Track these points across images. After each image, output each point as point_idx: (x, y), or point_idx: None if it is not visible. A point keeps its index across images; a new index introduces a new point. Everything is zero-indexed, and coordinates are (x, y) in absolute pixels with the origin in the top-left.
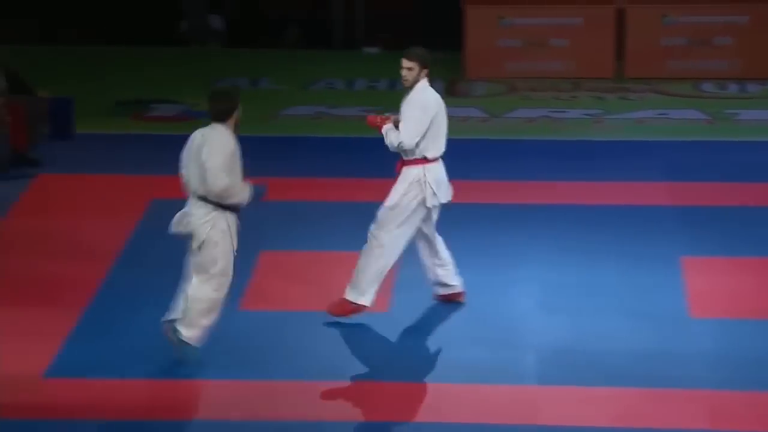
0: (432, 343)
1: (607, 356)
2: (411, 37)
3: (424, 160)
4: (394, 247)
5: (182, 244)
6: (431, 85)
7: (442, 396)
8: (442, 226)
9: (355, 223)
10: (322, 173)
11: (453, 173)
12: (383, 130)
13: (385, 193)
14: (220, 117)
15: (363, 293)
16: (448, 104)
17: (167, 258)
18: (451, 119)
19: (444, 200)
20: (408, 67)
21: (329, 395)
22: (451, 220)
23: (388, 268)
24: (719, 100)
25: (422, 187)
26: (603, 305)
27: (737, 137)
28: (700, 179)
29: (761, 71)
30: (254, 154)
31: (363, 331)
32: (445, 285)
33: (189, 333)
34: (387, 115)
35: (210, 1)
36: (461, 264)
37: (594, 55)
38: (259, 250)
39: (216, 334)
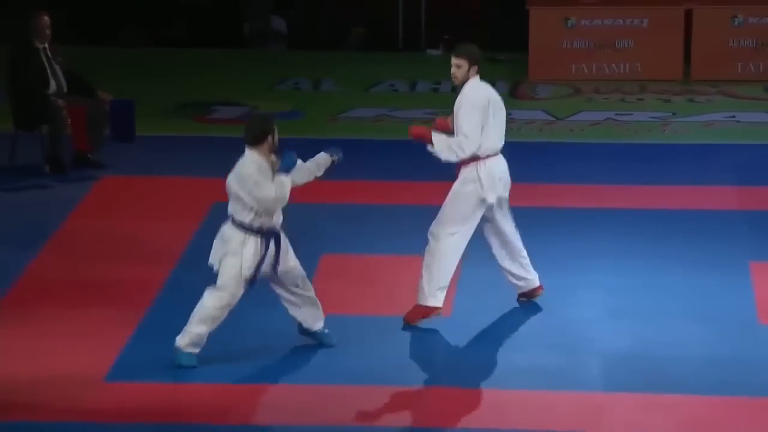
0: (495, 347)
1: (674, 362)
2: (475, 39)
3: (476, 158)
4: (455, 247)
5: None
6: (494, 85)
7: (505, 402)
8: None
9: (417, 226)
10: (384, 176)
11: (516, 176)
12: (434, 144)
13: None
14: (253, 142)
15: (431, 295)
16: (511, 106)
17: None
18: (515, 122)
19: (503, 195)
20: (457, 64)
21: (389, 401)
22: (514, 223)
23: (453, 267)
24: None
25: (477, 184)
26: (669, 310)
27: None
28: None
29: None
30: (313, 156)
31: (425, 335)
32: (523, 279)
33: (181, 338)
34: (439, 117)
35: (274, 2)
36: None
37: (661, 56)
38: (320, 253)
39: (276, 339)
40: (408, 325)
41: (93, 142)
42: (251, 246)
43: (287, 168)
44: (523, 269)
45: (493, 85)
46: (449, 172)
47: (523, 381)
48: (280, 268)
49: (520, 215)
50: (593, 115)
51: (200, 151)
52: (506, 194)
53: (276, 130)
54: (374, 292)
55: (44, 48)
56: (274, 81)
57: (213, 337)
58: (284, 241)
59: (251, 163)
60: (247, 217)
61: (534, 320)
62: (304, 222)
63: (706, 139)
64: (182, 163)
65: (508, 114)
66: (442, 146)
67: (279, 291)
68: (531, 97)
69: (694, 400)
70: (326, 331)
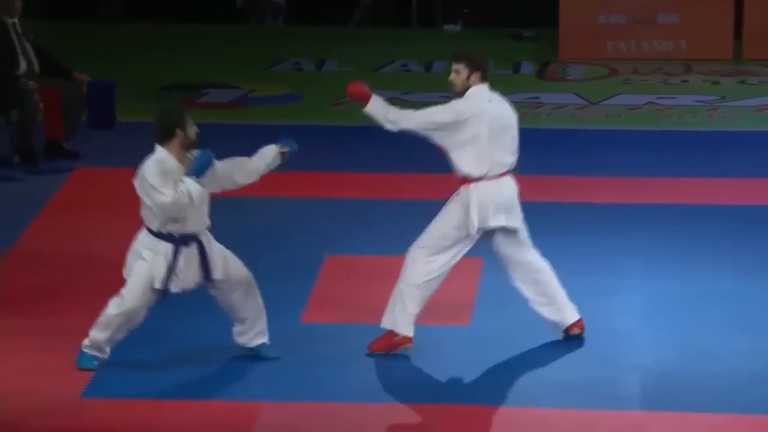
0: (519, 361)
1: (719, 378)
2: (497, 13)
3: (466, 179)
4: (430, 273)
5: (238, 245)
6: (519, 66)
7: (531, 422)
8: (534, 227)
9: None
10: (394, 168)
11: (544, 168)
12: (370, 107)
13: None
14: (159, 138)
15: (406, 323)
16: (539, 89)
17: None
18: (543, 106)
19: (493, 225)
20: (455, 69)
21: (399, 421)
22: (541, 221)
23: (427, 295)
24: None
25: (467, 209)
26: (714, 320)
27: None
28: None
29: None
30: (316, 146)
31: (440, 347)
32: (554, 322)
33: (86, 339)
34: None
35: None
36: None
37: (708, 33)
38: (324, 254)
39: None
40: (373, 354)
41: (68, 129)
42: (161, 254)
43: (198, 170)
44: (555, 311)
45: (518, 65)
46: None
47: (551, 399)
48: (216, 276)
49: (547, 211)
50: (631, 99)
51: None
52: (512, 224)
53: (189, 124)
54: (383, 298)
55: (13, 23)
56: (271, 60)
57: (196, 348)
58: (212, 248)
59: (153, 163)
60: (154, 223)
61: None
62: (306, 219)
63: (758, 126)
64: None
65: (534, 97)
66: (379, 110)
67: (219, 300)
68: (561, 78)
69: (742, 420)
70: (267, 343)
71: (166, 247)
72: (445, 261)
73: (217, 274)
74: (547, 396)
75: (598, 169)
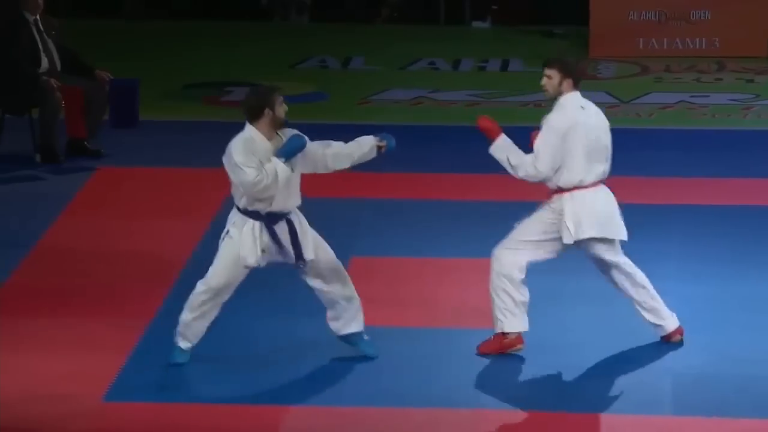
0: (550, 365)
1: (758, 382)
2: (527, 10)
3: (560, 189)
4: (517, 263)
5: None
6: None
7: (564, 426)
8: None
9: (459, 224)
10: (422, 167)
11: None
12: (495, 146)
13: (494, 190)
14: (248, 116)
15: (510, 319)
16: None
17: None
18: None
19: (588, 235)
20: (547, 75)
21: (430, 425)
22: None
23: (520, 281)
24: None
25: (560, 218)
26: (752, 323)
27: None
28: None
29: None
30: None
31: (470, 351)
32: (657, 326)
33: (178, 326)
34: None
35: None
36: (580, 272)
37: (742, 30)
38: (350, 255)
39: (291, 352)
40: (482, 355)
41: (90, 128)
42: (248, 231)
43: (287, 152)
44: (655, 317)
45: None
46: (494, 163)
47: (582, 403)
48: (307, 257)
49: None
50: (664, 98)
51: (212, 137)
52: (608, 234)
53: (278, 103)
54: (410, 302)
55: (35, 20)
56: (296, 58)
57: (224, 350)
58: (302, 228)
59: (240, 141)
60: (241, 201)
61: (593, 334)
62: (331, 219)
63: None
64: (191, 151)
65: None
66: (502, 154)
67: (310, 284)
68: (592, 76)
69: None
70: (366, 338)
71: (253, 225)
72: (529, 253)
73: (308, 254)
74: (576, 400)
75: (629, 169)
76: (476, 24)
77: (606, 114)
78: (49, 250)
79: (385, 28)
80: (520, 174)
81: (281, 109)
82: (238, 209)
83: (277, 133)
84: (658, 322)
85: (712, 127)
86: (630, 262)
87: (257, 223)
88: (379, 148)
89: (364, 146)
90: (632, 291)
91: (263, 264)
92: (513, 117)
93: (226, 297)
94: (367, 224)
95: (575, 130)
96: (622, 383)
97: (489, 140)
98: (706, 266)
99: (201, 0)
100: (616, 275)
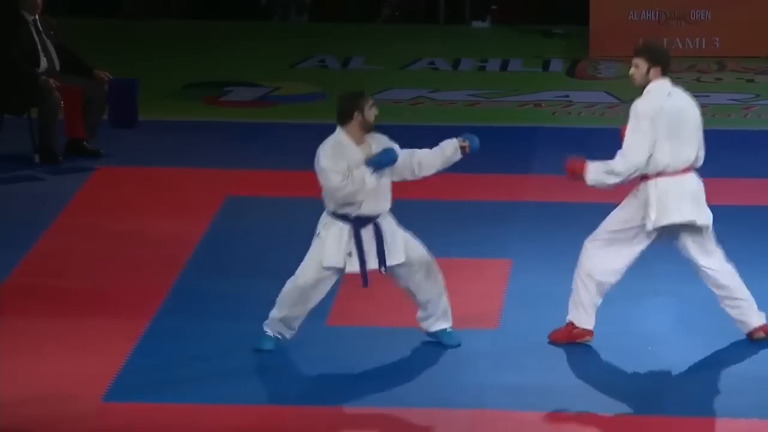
0: (542, 365)
1: (760, 382)
2: (526, 9)
3: (646, 176)
4: (605, 265)
5: (263, 247)
6: (548, 63)
7: (552, 427)
8: (565, 229)
9: (457, 224)
10: None
11: None
12: (588, 178)
13: (497, 191)
14: (338, 119)
15: (579, 315)
16: (569, 87)
17: (244, 263)
18: (573, 104)
19: (673, 221)
20: (635, 64)
21: (429, 426)
22: (574, 222)
23: (603, 286)
24: None
25: (644, 205)
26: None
27: None
28: None
29: None
30: None
31: (466, 351)
32: (741, 322)
33: (267, 319)
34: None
35: None
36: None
37: (743, 29)
38: None
39: (295, 354)
40: (554, 343)
41: (89, 128)
42: (334, 233)
43: (377, 164)
44: (740, 314)
45: (547, 63)
46: (498, 164)
47: (569, 402)
48: (392, 262)
49: (577, 212)
50: None
51: (211, 138)
52: (694, 219)
53: (368, 107)
54: (404, 300)
55: (34, 20)
56: (295, 58)
57: (222, 350)
58: (392, 232)
59: (328, 145)
60: (330, 204)
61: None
62: None
63: None
64: (191, 151)
65: (564, 96)
66: (598, 177)
67: (403, 286)
68: (592, 76)
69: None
70: (449, 330)
71: (341, 227)
72: (621, 255)
73: (395, 259)
74: (566, 400)
75: None
76: (476, 24)
77: (605, 114)
78: (48, 250)
79: (386, 28)
80: (623, 173)
81: (371, 113)
82: (327, 210)
83: (367, 137)
84: (741, 318)
85: (712, 127)
86: (720, 260)
87: (345, 226)
88: (462, 148)
89: (447, 150)
90: (718, 289)
91: (350, 270)
92: (512, 117)
93: (315, 296)
94: None
95: (660, 115)
96: (623, 383)
97: (582, 178)
98: None
99: (200, 0)
100: (702, 271)
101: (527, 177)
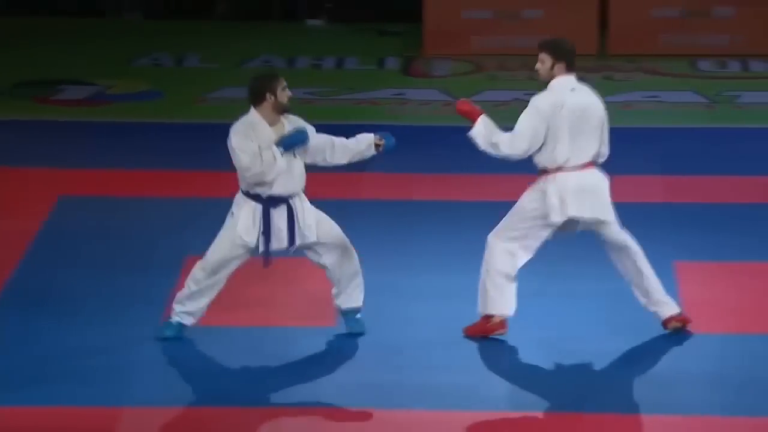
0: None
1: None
2: (361, 8)
3: (544, 172)
4: (506, 259)
5: (96, 247)
6: (383, 61)
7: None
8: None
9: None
10: None
11: (409, 166)
12: (476, 129)
13: (334, 188)
14: (250, 100)
15: (489, 307)
16: (403, 85)
17: (77, 263)
18: (409, 102)
19: (572, 215)
20: (540, 59)
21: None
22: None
23: (506, 284)
24: (719, 81)
25: (545, 199)
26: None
27: (739, 123)
28: (696, 172)
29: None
30: (178, 144)
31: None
32: (655, 312)
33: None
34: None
35: None
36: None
37: (573, 28)
38: (184, 255)
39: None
40: (469, 337)
41: None
42: (247, 212)
43: (287, 145)
44: (652, 303)
45: (382, 61)
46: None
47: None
48: (300, 242)
49: (412, 209)
50: (498, 95)
51: (43, 137)
52: (599, 216)
53: (280, 88)
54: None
55: None
56: (129, 56)
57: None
58: (303, 211)
59: (240, 124)
60: (242, 183)
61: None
62: (168, 219)
63: (624, 122)
64: (22, 151)
65: (400, 93)
66: (481, 139)
67: (318, 262)
68: (426, 74)
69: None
70: (358, 316)
71: (254, 206)
72: (522, 248)
73: (306, 238)
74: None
75: (466, 167)
76: (311, 22)
77: (440, 112)
78: None
79: (220, 25)
80: (502, 152)
81: (284, 95)
82: (240, 190)
83: (281, 119)
84: (652, 308)
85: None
86: (627, 251)
87: (258, 206)
88: (377, 146)
89: (362, 143)
90: (633, 275)
91: (267, 249)
92: (348, 115)
93: (223, 275)
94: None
95: (561, 111)
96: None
97: (471, 123)
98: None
99: None
100: (613, 258)
101: (362, 175)
